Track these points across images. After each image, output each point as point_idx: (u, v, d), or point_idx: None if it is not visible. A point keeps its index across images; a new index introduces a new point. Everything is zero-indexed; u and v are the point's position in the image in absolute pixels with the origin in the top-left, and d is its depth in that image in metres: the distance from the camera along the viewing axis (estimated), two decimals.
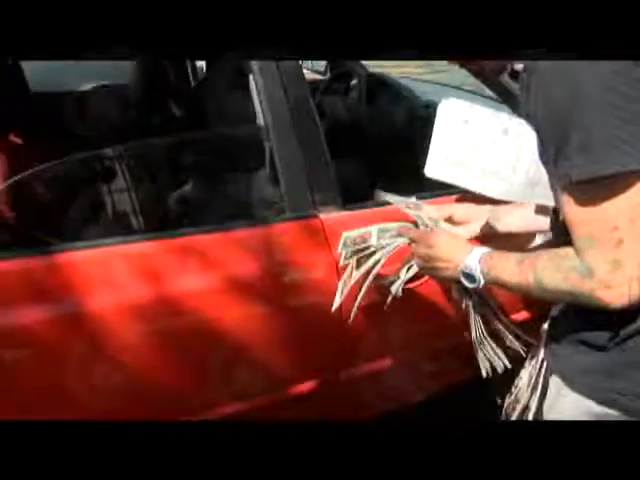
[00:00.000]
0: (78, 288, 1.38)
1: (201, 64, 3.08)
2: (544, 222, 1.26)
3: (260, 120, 1.70)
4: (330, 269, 1.56)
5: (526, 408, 1.31)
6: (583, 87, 0.94)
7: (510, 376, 1.39)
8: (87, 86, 2.81)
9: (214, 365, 1.51)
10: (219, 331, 1.48)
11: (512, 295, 1.54)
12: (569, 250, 1.01)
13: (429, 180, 1.64)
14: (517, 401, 1.35)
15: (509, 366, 1.41)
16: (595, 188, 0.94)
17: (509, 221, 1.43)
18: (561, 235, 1.06)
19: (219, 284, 1.49)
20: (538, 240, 1.44)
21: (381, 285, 1.50)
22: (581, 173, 0.94)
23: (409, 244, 1.37)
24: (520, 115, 1.12)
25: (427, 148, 1.59)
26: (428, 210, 1.47)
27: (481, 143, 1.35)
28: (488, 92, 2.23)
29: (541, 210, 1.34)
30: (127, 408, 1.42)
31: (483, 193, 1.38)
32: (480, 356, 1.42)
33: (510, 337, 1.42)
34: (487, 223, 1.43)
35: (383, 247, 1.42)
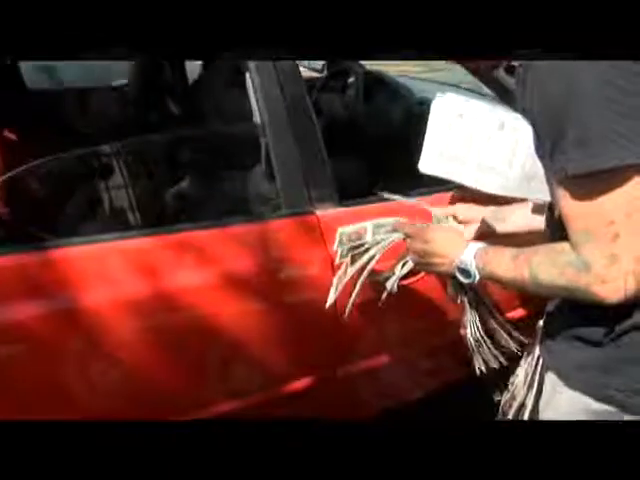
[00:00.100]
0: (74, 284, 1.38)
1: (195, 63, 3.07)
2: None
3: (257, 117, 1.71)
4: (326, 265, 1.56)
5: (522, 405, 1.31)
6: (580, 81, 0.93)
7: (507, 374, 1.39)
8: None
9: (209, 361, 1.51)
10: (214, 327, 1.48)
11: (508, 293, 1.54)
12: (565, 245, 1.01)
13: (426, 177, 1.64)
14: (513, 398, 1.35)
15: (504, 363, 1.40)
16: (592, 182, 0.94)
17: (514, 220, 1.43)
18: (557, 230, 1.06)
19: (214, 280, 1.49)
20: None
21: (376, 281, 1.50)
22: (578, 167, 0.94)
23: (404, 239, 1.37)
24: (516, 110, 1.11)
25: (422, 144, 1.59)
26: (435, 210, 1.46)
27: (477, 138, 1.34)
28: (486, 90, 2.23)
29: (539, 209, 1.34)
30: (122, 404, 1.42)
31: (479, 188, 1.38)
32: (474, 353, 1.41)
33: (505, 336, 1.42)
34: (485, 222, 1.42)
35: (378, 243, 1.41)
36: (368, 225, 1.42)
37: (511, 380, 1.36)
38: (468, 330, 1.40)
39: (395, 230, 1.40)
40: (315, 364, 1.67)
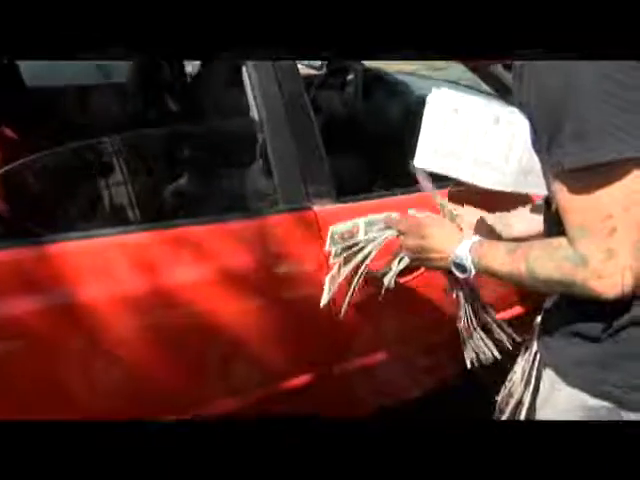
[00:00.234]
0: (72, 279, 1.38)
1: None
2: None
3: (254, 114, 1.71)
4: (323, 261, 1.55)
5: (519, 403, 1.30)
6: (578, 75, 0.93)
7: (504, 371, 1.39)
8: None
9: (205, 357, 1.51)
10: (211, 323, 1.48)
11: (505, 290, 1.54)
12: (562, 240, 1.00)
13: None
14: (511, 395, 1.34)
15: (498, 357, 1.40)
16: (590, 176, 0.93)
17: (518, 225, 1.42)
18: (554, 225, 1.05)
19: (212, 276, 1.49)
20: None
21: (373, 277, 1.50)
22: (576, 161, 0.93)
23: (397, 236, 1.36)
24: (514, 105, 1.11)
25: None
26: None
27: (472, 132, 1.33)
28: (485, 87, 2.23)
29: (538, 209, 1.33)
30: (119, 399, 1.42)
31: (475, 183, 1.37)
32: (467, 347, 1.41)
33: (498, 330, 1.41)
34: (490, 227, 1.41)
35: (372, 241, 1.40)
36: (360, 222, 1.41)
37: (508, 377, 1.36)
38: (461, 323, 1.39)
39: (388, 227, 1.39)
40: (312, 361, 1.67)
